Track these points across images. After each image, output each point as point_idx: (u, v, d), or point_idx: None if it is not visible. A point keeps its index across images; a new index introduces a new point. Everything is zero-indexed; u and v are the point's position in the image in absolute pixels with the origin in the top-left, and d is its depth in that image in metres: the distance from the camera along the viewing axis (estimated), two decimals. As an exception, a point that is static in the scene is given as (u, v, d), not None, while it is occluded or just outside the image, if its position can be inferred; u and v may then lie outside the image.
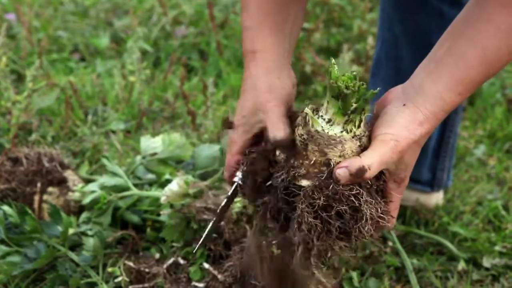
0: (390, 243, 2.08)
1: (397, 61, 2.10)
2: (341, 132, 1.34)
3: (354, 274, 1.85)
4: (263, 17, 1.56)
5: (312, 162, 1.35)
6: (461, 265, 2.03)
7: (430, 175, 2.23)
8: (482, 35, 1.34)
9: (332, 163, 1.34)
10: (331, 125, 1.34)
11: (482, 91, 3.18)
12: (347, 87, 1.31)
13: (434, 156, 2.21)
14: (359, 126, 1.35)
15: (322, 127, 1.34)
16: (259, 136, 1.50)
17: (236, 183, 1.50)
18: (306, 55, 3.32)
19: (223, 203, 1.55)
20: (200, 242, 1.58)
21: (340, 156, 1.34)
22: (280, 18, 1.57)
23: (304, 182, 1.35)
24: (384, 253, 2.05)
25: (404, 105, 1.39)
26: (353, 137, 1.34)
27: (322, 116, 1.36)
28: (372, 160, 1.34)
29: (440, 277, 2.00)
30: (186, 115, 2.81)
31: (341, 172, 1.33)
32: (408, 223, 2.22)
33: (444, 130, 2.18)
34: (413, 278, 1.91)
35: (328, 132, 1.34)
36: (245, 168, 1.47)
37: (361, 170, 1.32)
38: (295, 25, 1.61)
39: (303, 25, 1.67)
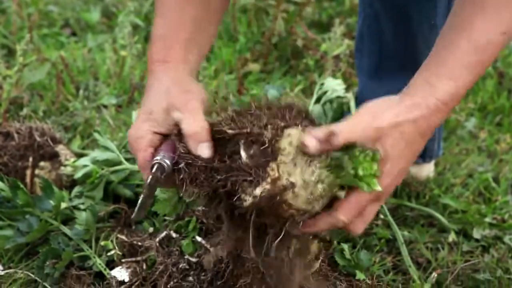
0: (381, 216, 2.09)
1: (379, 35, 2.10)
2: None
3: (346, 247, 1.86)
4: (179, 28, 1.51)
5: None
6: (452, 237, 2.04)
7: (420, 146, 2.23)
8: (470, 18, 1.32)
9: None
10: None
11: (473, 64, 3.18)
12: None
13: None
14: None
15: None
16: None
17: (157, 165, 1.35)
18: (297, 29, 3.31)
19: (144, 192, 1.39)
20: (134, 214, 1.47)
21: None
22: (195, 32, 1.52)
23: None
24: (375, 226, 2.07)
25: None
26: None
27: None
28: (342, 128, 1.29)
29: (431, 249, 2.01)
30: (177, 90, 2.80)
31: (309, 141, 1.27)
32: (399, 196, 2.23)
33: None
34: (404, 250, 1.92)
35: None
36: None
37: (329, 135, 1.27)
38: (202, 47, 1.58)
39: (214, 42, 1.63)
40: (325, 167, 1.30)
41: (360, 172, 1.27)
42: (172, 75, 1.47)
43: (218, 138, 1.35)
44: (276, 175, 1.27)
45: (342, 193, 1.33)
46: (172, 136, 1.41)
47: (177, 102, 1.40)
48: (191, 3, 1.53)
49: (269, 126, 1.31)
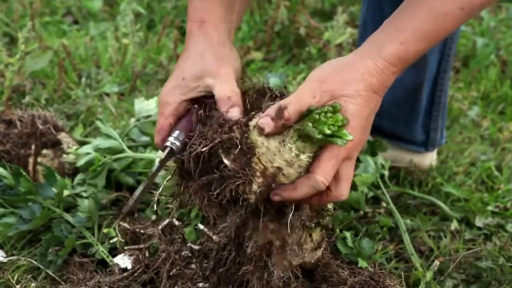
0: (383, 204, 2.09)
1: (382, 22, 2.10)
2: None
3: (348, 234, 1.86)
4: None
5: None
6: (454, 225, 2.04)
7: (423, 135, 2.23)
8: None
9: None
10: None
11: (476, 52, 3.18)
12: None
13: (426, 116, 2.21)
14: None
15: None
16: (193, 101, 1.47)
17: (168, 148, 1.42)
18: (300, 17, 3.30)
19: (154, 168, 1.46)
20: (129, 206, 1.50)
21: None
22: None
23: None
24: (377, 214, 2.07)
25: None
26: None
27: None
28: (290, 99, 1.32)
29: (433, 237, 2.02)
30: (180, 78, 2.79)
31: (263, 121, 1.31)
32: (401, 184, 2.23)
33: (434, 89, 2.18)
34: (406, 238, 1.93)
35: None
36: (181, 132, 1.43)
37: (279, 110, 1.30)
38: (243, 3, 1.58)
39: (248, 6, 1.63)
40: (297, 139, 1.33)
41: (328, 131, 1.29)
42: (210, 36, 1.49)
43: (198, 157, 1.38)
44: (262, 167, 1.34)
45: None
46: (196, 106, 1.45)
47: (210, 68, 1.44)
48: None
49: (234, 127, 1.36)
